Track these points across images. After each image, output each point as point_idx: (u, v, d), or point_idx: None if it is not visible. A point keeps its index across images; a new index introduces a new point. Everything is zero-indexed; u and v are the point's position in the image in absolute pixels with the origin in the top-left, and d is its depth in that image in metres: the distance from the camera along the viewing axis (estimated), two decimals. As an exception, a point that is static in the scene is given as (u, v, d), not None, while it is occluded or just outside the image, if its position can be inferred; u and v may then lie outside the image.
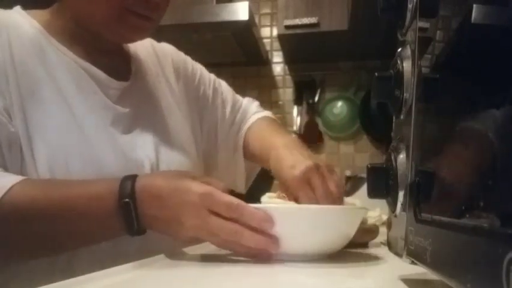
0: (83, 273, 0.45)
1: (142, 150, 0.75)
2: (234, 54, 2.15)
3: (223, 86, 1.00)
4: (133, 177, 0.57)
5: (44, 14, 0.75)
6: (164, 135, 0.80)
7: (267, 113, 1.01)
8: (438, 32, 0.38)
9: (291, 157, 0.71)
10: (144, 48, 0.88)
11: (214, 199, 0.53)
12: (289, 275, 0.52)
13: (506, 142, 0.23)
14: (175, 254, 0.61)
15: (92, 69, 0.73)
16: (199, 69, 0.97)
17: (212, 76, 0.99)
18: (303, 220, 0.56)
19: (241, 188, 0.99)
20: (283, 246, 0.55)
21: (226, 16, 1.81)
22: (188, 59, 0.97)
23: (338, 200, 0.66)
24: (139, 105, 0.78)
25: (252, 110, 1.00)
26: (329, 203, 0.65)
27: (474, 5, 0.27)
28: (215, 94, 0.96)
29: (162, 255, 0.58)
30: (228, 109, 0.97)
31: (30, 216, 0.56)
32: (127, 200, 0.54)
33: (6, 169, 0.60)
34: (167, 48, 0.94)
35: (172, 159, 0.79)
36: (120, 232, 0.57)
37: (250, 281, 0.48)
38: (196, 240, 0.61)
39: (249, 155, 0.94)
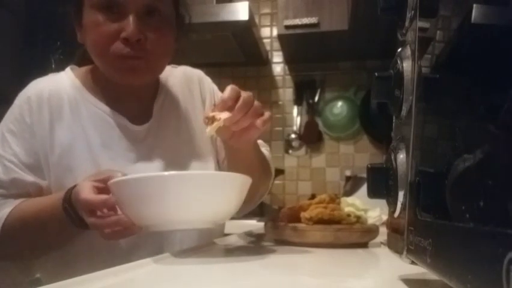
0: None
1: None
2: (234, 54, 2.15)
3: None
4: (72, 188, 0.71)
5: (86, 69, 0.88)
6: (185, 167, 0.87)
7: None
8: (438, 32, 0.38)
9: None
10: (175, 76, 0.96)
11: (82, 203, 0.66)
12: (289, 275, 0.52)
13: (506, 141, 0.23)
14: (162, 258, 0.60)
15: (117, 117, 0.84)
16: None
17: None
18: (136, 190, 0.56)
19: None
20: (135, 216, 0.59)
21: (226, 16, 1.81)
22: (215, 87, 1.02)
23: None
24: (161, 143, 0.87)
25: None
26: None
27: (474, 5, 0.27)
28: None
29: (148, 260, 0.58)
30: None
31: (18, 230, 0.77)
32: (66, 205, 0.71)
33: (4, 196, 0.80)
34: (196, 74, 1.00)
35: None
36: (72, 226, 0.72)
37: (250, 281, 0.48)
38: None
39: None
